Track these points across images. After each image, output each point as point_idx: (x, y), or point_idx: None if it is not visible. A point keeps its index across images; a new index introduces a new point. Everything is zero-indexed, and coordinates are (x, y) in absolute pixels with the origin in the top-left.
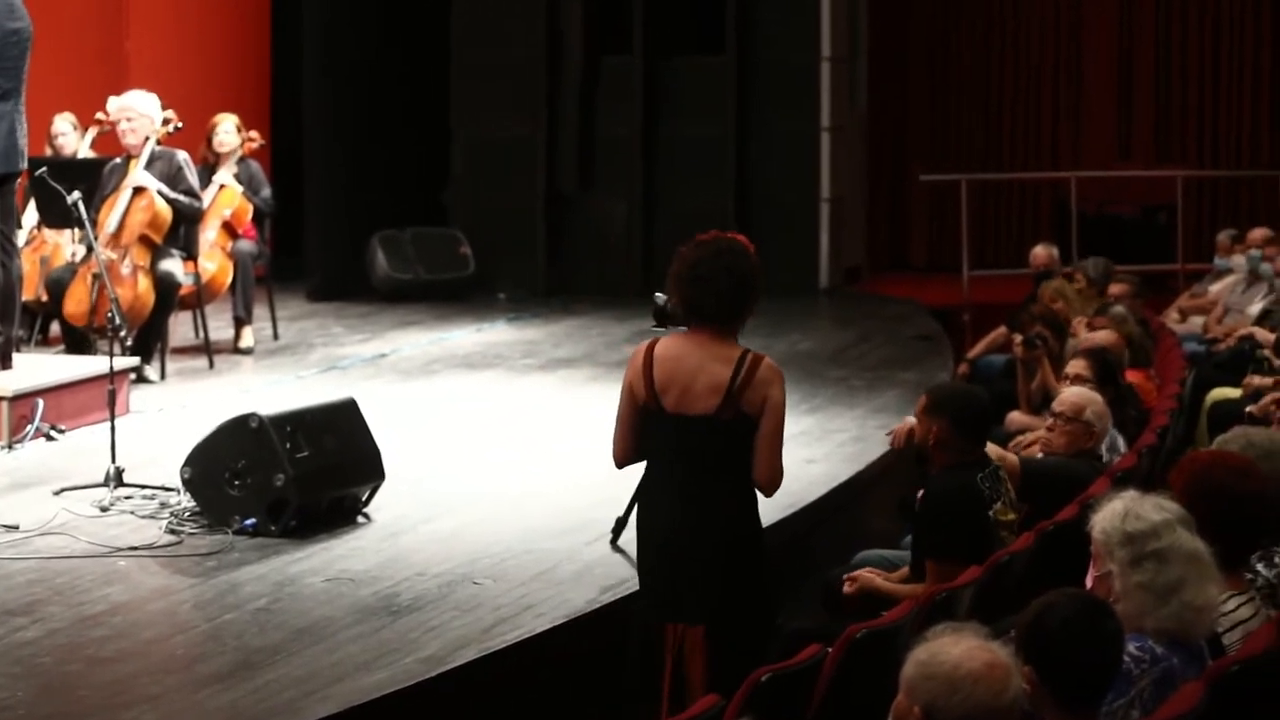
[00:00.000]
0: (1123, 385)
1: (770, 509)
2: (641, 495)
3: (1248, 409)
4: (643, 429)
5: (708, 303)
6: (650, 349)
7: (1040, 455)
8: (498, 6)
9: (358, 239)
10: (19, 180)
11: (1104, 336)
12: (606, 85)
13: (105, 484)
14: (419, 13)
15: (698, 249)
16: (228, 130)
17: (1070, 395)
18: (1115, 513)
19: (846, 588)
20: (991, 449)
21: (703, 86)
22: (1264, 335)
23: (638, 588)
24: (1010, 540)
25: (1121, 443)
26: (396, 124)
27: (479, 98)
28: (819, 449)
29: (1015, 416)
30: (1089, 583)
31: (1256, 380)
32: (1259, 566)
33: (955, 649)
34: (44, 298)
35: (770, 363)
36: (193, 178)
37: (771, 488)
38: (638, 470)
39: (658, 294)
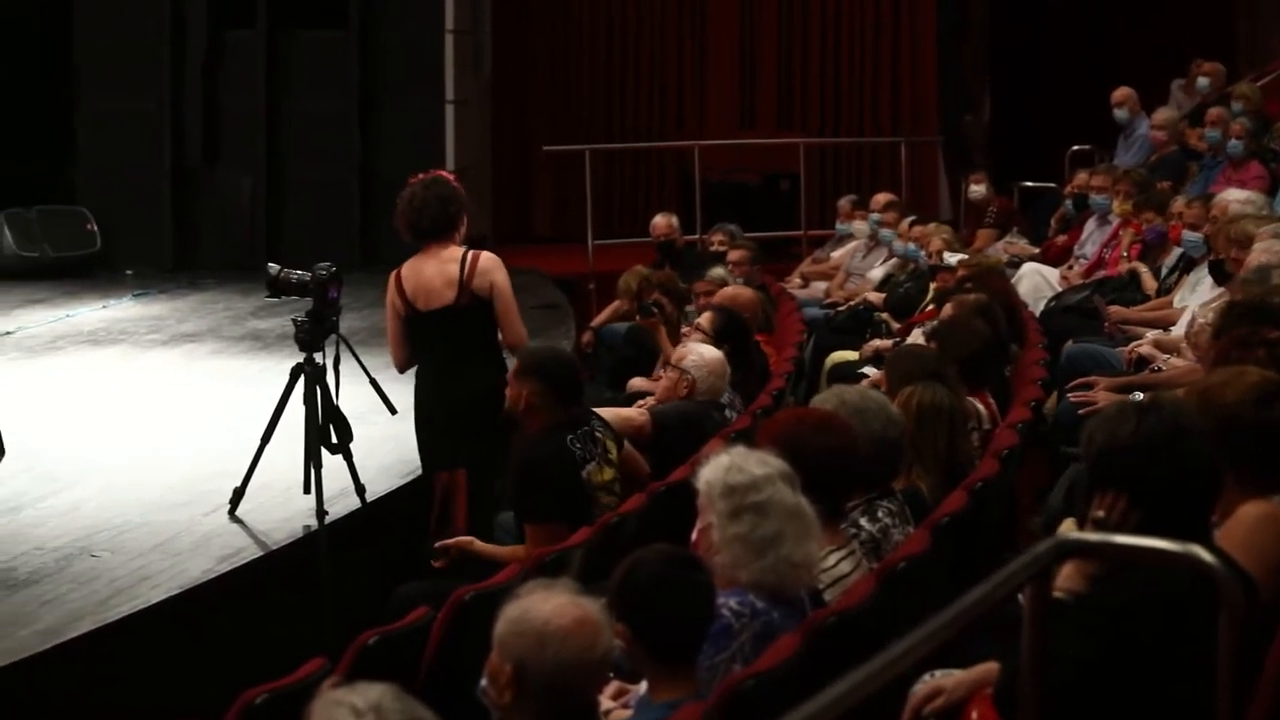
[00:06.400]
0: (747, 344)
1: (390, 476)
2: (417, 381)
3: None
4: (409, 334)
5: (429, 224)
6: (399, 272)
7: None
8: None
9: None
10: None
11: (730, 293)
12: (230, 60)
13: None
14: None
15: (411, 188)
16: None
17: (680, 347)
18: (720, 465)
19: (437, 563)
20: (617, 412)
21: (326, 61)
22: (880, 299)
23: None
24: (610, 499)
25: (739, 402)
26: (20, 100)
27: (103, 73)
28: None
29: (636, 381)
30: (694, 535)
31: (875, 343)
32: (862, 521)
33: (545, 606)
34: None
35: (488, 254)
36: None
37: (521, 346)
38: (252, 443)
39: (270, 264)
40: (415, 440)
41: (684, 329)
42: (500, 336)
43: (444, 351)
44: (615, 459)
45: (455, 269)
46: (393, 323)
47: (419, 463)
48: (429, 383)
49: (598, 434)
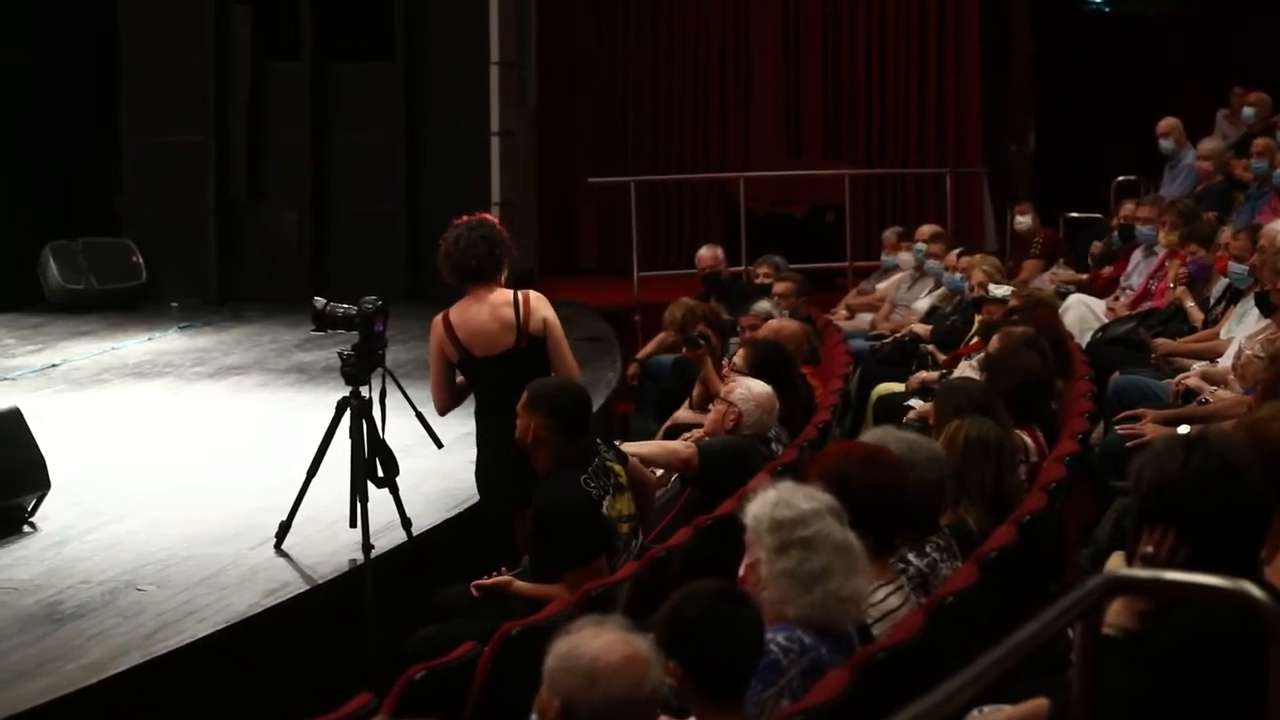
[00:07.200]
0: (791, 376)
1: (436, 510)
2: (481, 426)
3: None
4: (454, 378)
5: (475, 266)
6: (446, 318)
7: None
8: (166, 13)
9: (32, 250)
10: None
11: (775, 325)
12: (276, 92)
13: None
14: (86, 19)
15: (456, 230)
16: None
17: (729, 381)
18: (767, 500)
19: (475, 593)
20: (664, 445)
21: (372, 93)
22: (927, 331)
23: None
24: (628, 524)
25: (785, 435)
26: (68, 134)
27: (149, 106)
28: None
29: (681, 414)
30: (741, 570)
31: (921, 375)
32: (910, 556)
33: (595, 642)
34: None
35: (535, 293)
36: None
37: (575, 379)
38: (298, 476)
39: (316, 298)
40: (476, 483)
41: (724, 363)
42: (554, 372)
43: (506, 394)
44: (625, 481)
45: (510, 312)
46: (439, 368)
47: (462, 497)
48: (493, 426)
49: (607, 463)
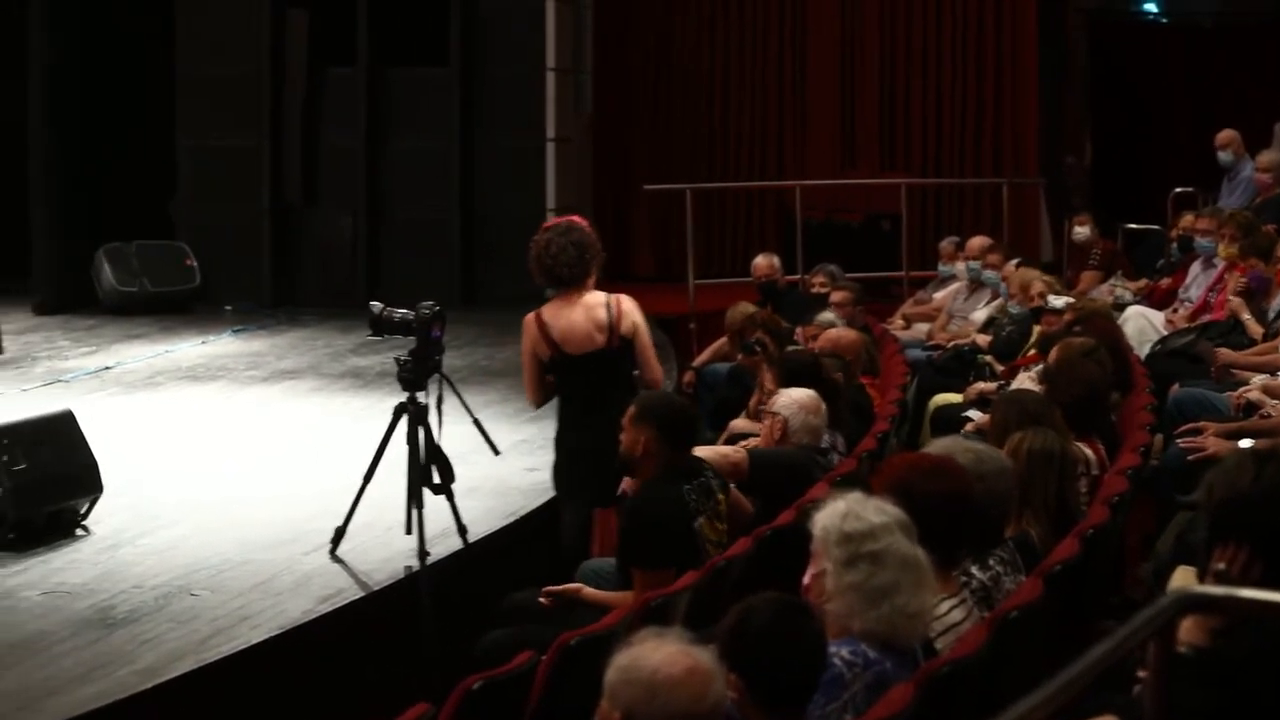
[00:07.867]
0: (826, 379)
1: (493, 517)
2: (564, 424)
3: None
4: (544, 375)
5: (567, 271)
6: (539, 317)
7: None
8: (221, 17)
9: (86, 252)
10: None
11: (834, 335)
12: (331, 97)
13: None
14: (143, 24)
15: (547, 234)
16: None
17: (779, 393)
18: (836, 511)
19: (544, 600)
20: (716, 449)
21: (427, 99)
22: (985, 341)
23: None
24: (717, 552)
25: (841, 443)
26: (123, 137)
27: (204, 110)
28: (541, 457)
29: (737, 423)
30: (806, 580)
31: (979, 386)
32: (973, 569)
33: (656, 654)
34: None
35: (627, 297)
36: None
37: (659, 383)
38: (354, 482)
39: (373, 303)
40: (554, 480)
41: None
42: (639, 374)
43: (594, 395)
44: (724, 511)
45: (604, 314)
46: (531, 366)
47: (518, 504)
48: (580, 430)
49: (712, 485)
